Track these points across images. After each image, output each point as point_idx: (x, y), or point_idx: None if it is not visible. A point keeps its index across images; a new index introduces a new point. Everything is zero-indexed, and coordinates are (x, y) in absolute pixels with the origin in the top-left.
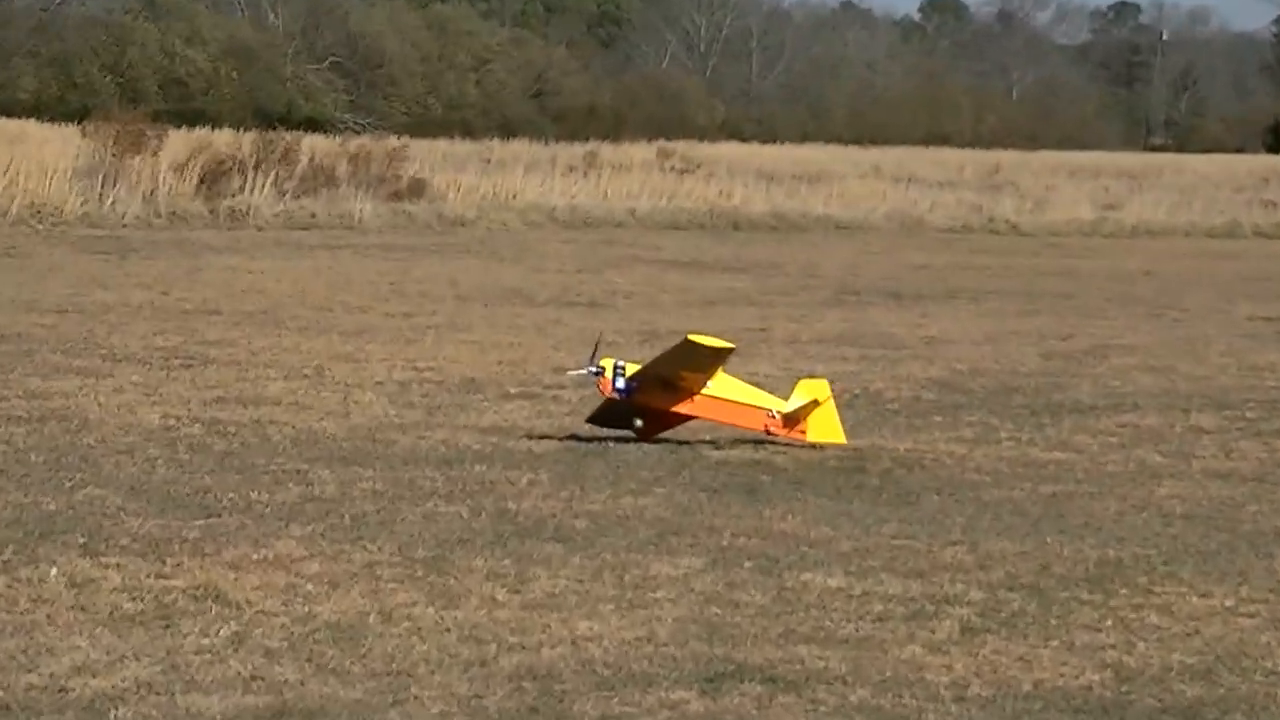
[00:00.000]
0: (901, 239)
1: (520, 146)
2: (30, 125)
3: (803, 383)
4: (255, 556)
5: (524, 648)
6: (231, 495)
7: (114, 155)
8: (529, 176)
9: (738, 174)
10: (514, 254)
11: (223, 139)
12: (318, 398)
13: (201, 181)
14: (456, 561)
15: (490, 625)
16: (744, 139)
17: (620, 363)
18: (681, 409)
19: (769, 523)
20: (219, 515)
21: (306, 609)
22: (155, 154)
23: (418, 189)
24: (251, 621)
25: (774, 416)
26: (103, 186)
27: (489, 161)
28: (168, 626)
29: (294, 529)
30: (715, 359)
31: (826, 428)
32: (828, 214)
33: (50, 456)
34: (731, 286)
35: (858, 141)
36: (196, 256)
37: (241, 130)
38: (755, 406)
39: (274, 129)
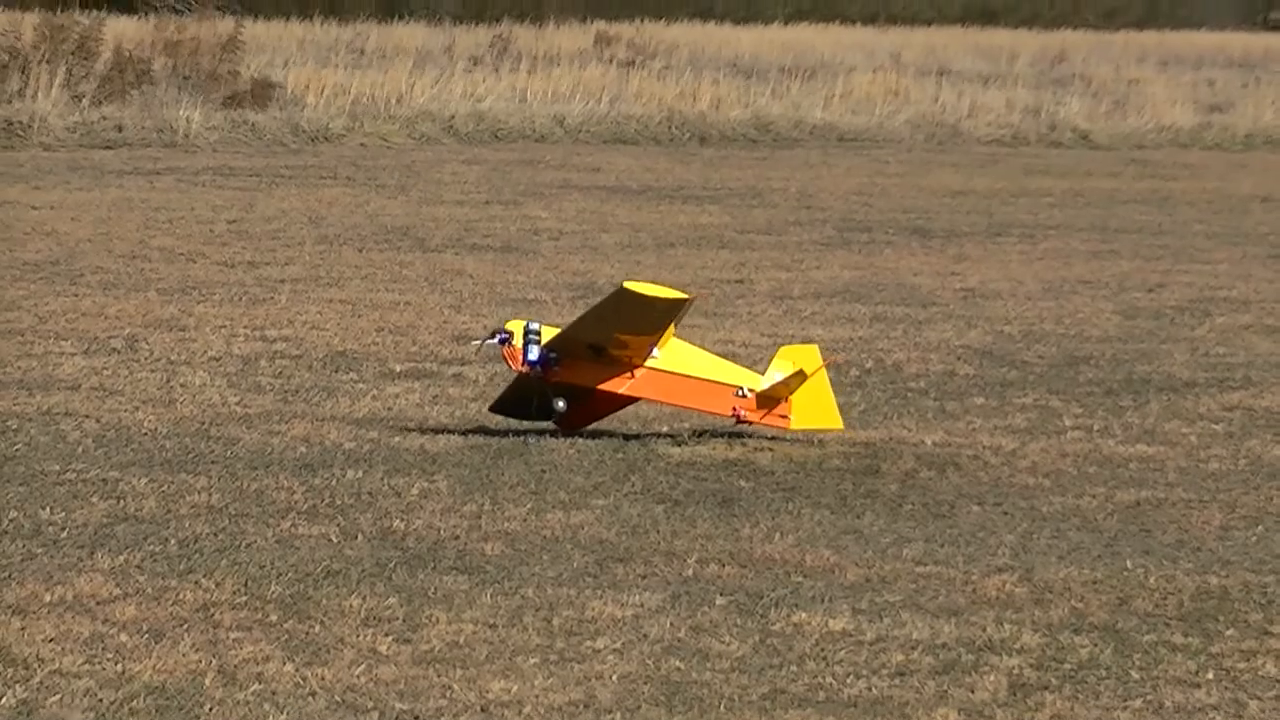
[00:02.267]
0: (930, 155)
1: (405, 31)
2: None
3: (784, 350)
4: (48, 598)
5: (417, 717)
6: (13, 515)
7: None
8: (418, 73)
9: (705, 67)
10: (398, 180)
11: None
12: (130, 380)
13: None
14: (323, 601)
15: (370, 688)
16: (714, 18)
17: (534, 325)
18: (619, 388)
19: (749, 545)
20: None
21: (120, 668)
22: None
23: (264, 92)
24: (44, 686)
25: (744, 395)
26: None
27: (361, 52)
28: None
29: (101, 559)
30: (663, 316)
31: (817, 410)
32: (828, 122)
33: None
34: (698, 222)
35: (870, 21)
36: None
37: (16, 9)
38: (718, 383)
39: (62, 7)
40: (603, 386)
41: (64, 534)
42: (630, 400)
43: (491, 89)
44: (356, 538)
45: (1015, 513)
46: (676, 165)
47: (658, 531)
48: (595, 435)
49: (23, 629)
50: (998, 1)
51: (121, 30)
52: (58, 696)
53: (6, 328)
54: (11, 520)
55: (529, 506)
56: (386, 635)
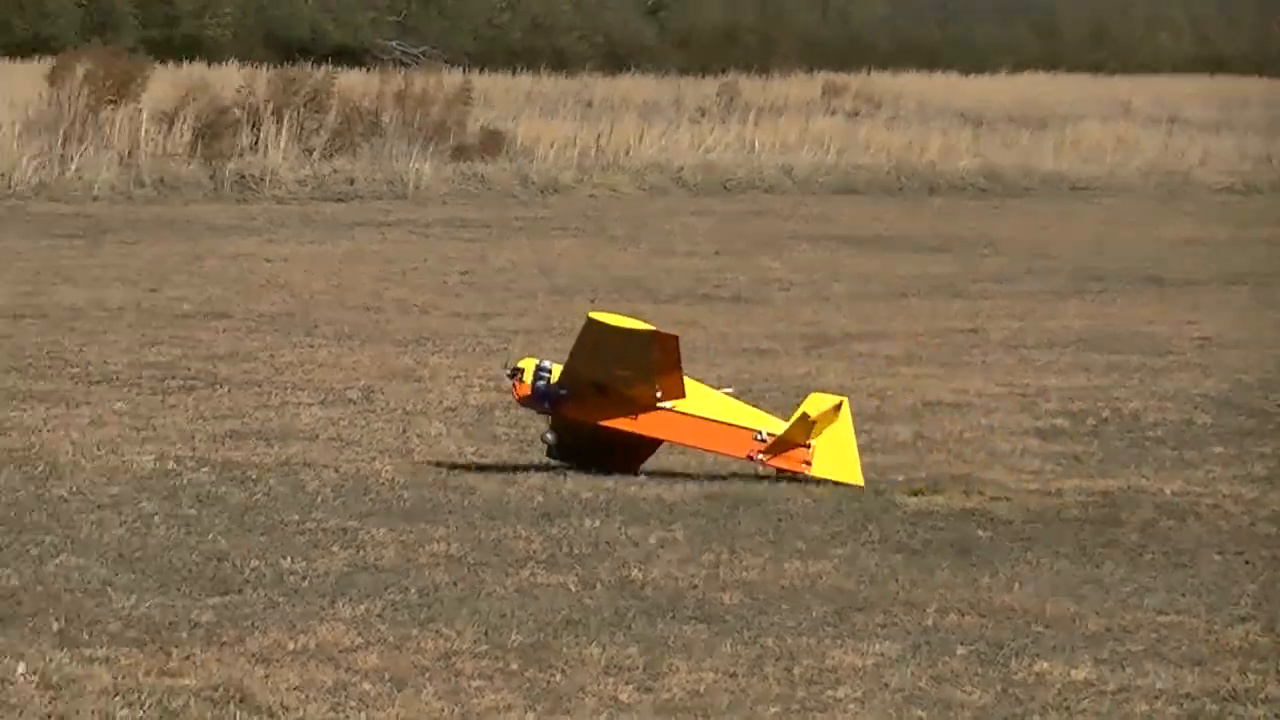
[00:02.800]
0: (1161, 203)
1: (632, 83)
2: None
3: (814, 398)
4: (291, 646)
5: None
6: (255, 564)
7: (87, 106)
8: (646, 124)
9: (933, 117)
10: (628, 231)
11: (224, 78)
12: (367, 430)
13: (198, 137)
14: (563, 650)
15: None
16: (941, 67)
17: (546, 364)
18: (632, 427)
19: (988, 594)
20: (239, 591)
21: (363, 716)
22: (136, 100)
23: (493, 143)
24: None
25: (762, 440)
26: (64, 146)
27: (590, 104)
28: None
29: (342, 608)
30: (644, 352)
31: (839, 462)
32: (1059, 171)
33: (9, 514)
34: (929, 271)
35: (1100, 69)
36: (195, 239)
37: (249, 65)
38: (737, 426)
39: (293, 62)
40: (613, 424)
41: (305, 583)
42: (655, 442)
43: (719, 140)
44: (595, 587)
45: (1257, 561)
46: (905, 215)
47: (896, 581)
48: (835, 486)
49: (267, 677)
50: (1228, 48)
51: (350, 84)
52: None
53: (244, 379)
54: (254, 569)
55: (767, 556)
56: (627, 684)
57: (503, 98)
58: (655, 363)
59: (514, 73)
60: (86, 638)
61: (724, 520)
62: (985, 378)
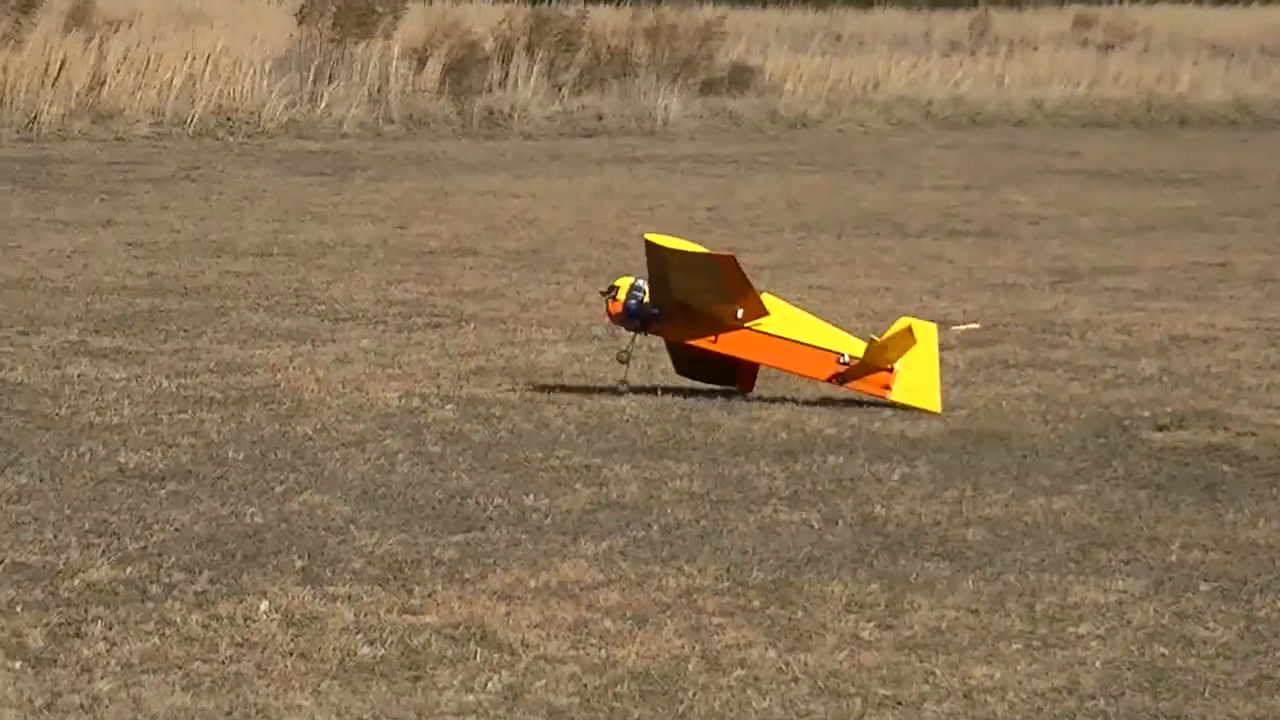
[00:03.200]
0: None
1: (883, 16)
2: (214, 1)
3: (902, 320)
4: (532, 583)
5: (899, 703)
6: (498, 501)
7: (332, 40)
8: (896, 58)
9: (1185, 48)
10: (876, 165)
11: (477, 15)
12: (611, 367)
13: (447, 74)
14: (805, 587)
15: (853, 673)
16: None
17: (640, 283)
18: (716, 346)
19: (1233, 530)
20: (482, 528)
21: (604, 654)
22: (387, 37)
23: (742, 78)
24: (530, 671)
25: (844, 363)
26: (314, 83)
27: (839, 38)
28: (418, 679)
29: (584, 546)
30: (707, 271)
31: (920, 388)
32: None
33: (254, 452)
34: (1178, 206)
35: None
36: (443, 176)
37: (500, 1)
38: (821, 349)
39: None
40: (698, 343)
41: (548, 520)
42: (754, 364)
43: (969, 73)
44: (837, 524)
45: None
46: (1156, 148)
47: (1140, 517)
48: (1078, 424)
49: (508, 614)
50: None
51: (603, 20)
52: (543, 681)
53: (490, 315)
54: (497, 506)
55: (1010, 492)
56: (869, 621)
57: (752, 31)
58: (725, 282)
59: (763, 6)
60: (329, 575)
61: (967, 456)
62: (1233, 312)
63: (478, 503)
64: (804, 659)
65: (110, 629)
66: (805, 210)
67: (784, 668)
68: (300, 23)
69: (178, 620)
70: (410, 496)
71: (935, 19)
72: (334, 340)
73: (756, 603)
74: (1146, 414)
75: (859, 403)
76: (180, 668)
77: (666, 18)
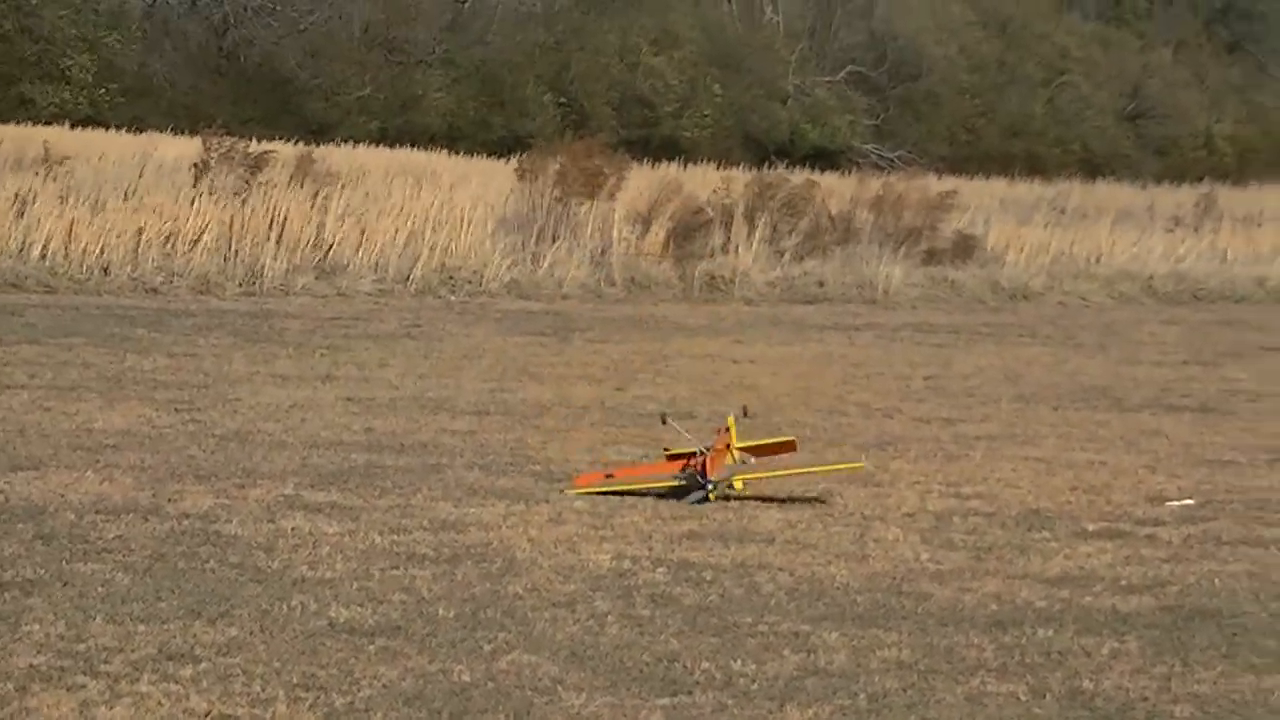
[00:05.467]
0: None
1: (1107, 190)
2: (440, 158)
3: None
4: None
5: None
6: (706, 666)
7: (556, 200)
8: (1119, 232)
9: None
10: (1096, 338)
11: (700, 179)
12: (824, 534)
13: (670, 238)
14: None
15: None
16: None
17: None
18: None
19: None
20: (689, 693)
21: None
22: (611, 198)
23: (965, 248)
24: None
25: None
26: (538, 243)
27: (1063, 211)
28: None
29: (791, 713)
30: None
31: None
32: None
33: (464, 610)
34: None
35: None
36: (663, 339)
37: (723, 166)
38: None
39: (770, 164)
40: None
41: (755, 686)
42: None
43: (1192, 249)
44: (1045, 697)
45: None
46: None
47: None
48: None
49: None
50: None
51: (828, 187)
52: None
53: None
54: (704, 671)
55: (1219, 669)
56: None
57: (976, 202)
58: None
59: (988, 178)
60: None
61: (1178, 632)
62: None
63: (685, 666)
64: None
65: None
66: (1024, 382)
67: None
68: (520, 179)
69: None
70: (618, 659)
71: (1159, 193)
72: (548, 500)
73: None
74: None
75: (1071, 577)
76: None
77: (895, 187)
